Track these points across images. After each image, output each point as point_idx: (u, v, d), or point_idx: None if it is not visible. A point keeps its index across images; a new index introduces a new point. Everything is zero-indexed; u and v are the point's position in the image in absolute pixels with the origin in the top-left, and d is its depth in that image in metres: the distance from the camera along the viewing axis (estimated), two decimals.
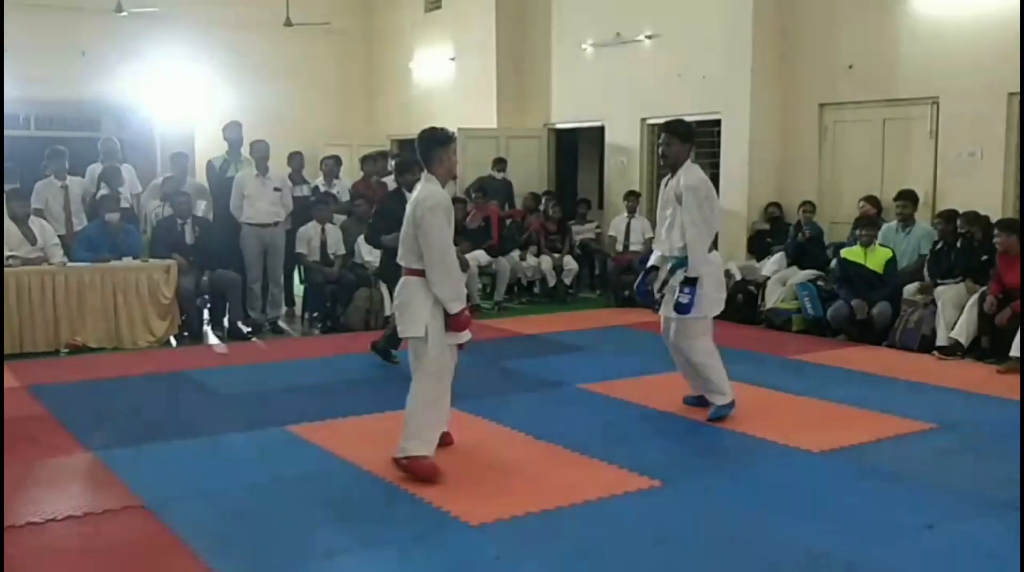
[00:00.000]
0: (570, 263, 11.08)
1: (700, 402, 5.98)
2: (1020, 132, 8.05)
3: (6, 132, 12.84)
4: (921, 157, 9.08)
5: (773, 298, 9.19)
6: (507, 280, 10.62)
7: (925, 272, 8.26)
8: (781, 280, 9.23)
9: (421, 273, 4.70)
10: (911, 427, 5.61)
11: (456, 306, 4.66)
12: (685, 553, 3.86)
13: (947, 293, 7.82)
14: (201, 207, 9.63)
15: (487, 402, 6.12)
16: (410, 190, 6.94)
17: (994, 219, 7.93)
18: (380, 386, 6.88)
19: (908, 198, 8.61)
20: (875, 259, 8.23)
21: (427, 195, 4.73)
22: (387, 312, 8.03)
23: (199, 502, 4.41)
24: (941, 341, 7.73)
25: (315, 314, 9.50)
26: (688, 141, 5.80)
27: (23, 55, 12.51)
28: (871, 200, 9.06)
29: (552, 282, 11.01)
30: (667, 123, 5.94)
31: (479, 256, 10.36)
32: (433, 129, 4.91)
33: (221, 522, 4.17)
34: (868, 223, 8.41)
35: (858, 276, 8.27)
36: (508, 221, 11.14)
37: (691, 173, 5.69)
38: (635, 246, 10.84)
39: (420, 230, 4.64)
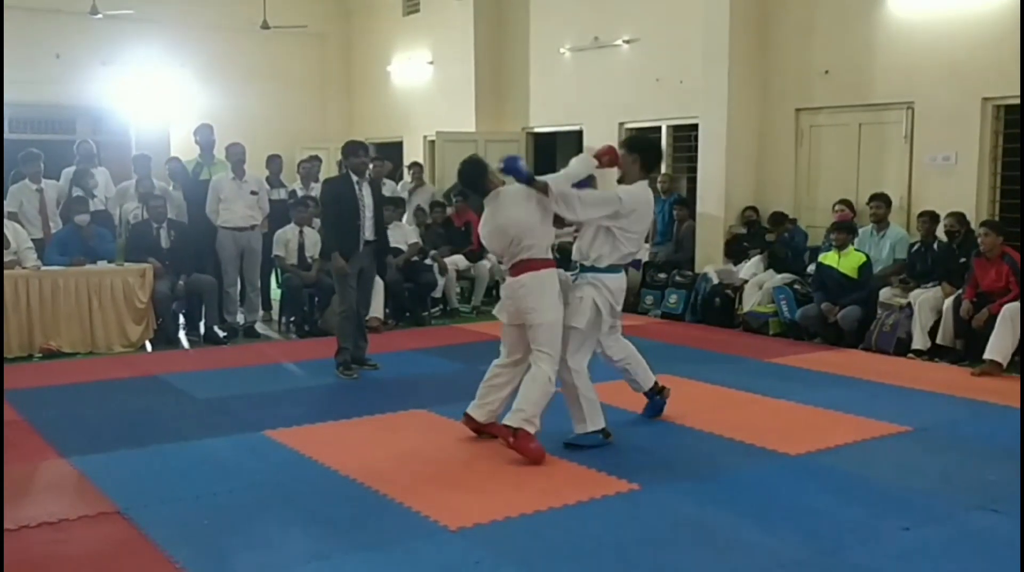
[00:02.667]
0: None
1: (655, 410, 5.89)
2: (1020, 139, 8.11)
3: None
4: (896, 161, 9.16)
5: (750, 302, 9.24)
6: (486, 284, 10.61)
7: (902, 275, 8.32)
8: (758, 284, 9.28)
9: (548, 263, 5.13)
10: (887, 430, 5.65)
11: None
12: (664, 556, 3.86)
13: (923, 296, 7.89)
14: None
15: (464, 405, 6.08)
16: (356, 173, 6.97)
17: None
18: (357, 390, 6.85)
19: (881, 200, 8.68)
20: (848, 263, 8.28)
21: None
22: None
23: (175, 508, 4.37)
24: (917, 344, 7.80)
25: (292, 318, 9.45)
26: (636, 152, 5.45)
27: None
28: (847, 204, 9.14)
29: None
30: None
31: (458, 260, 10.36)
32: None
33: (198, 528, 4.13)
34: (842, 227, 8.46)
35: (832, 280, 8.32)
36: None
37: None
38: None
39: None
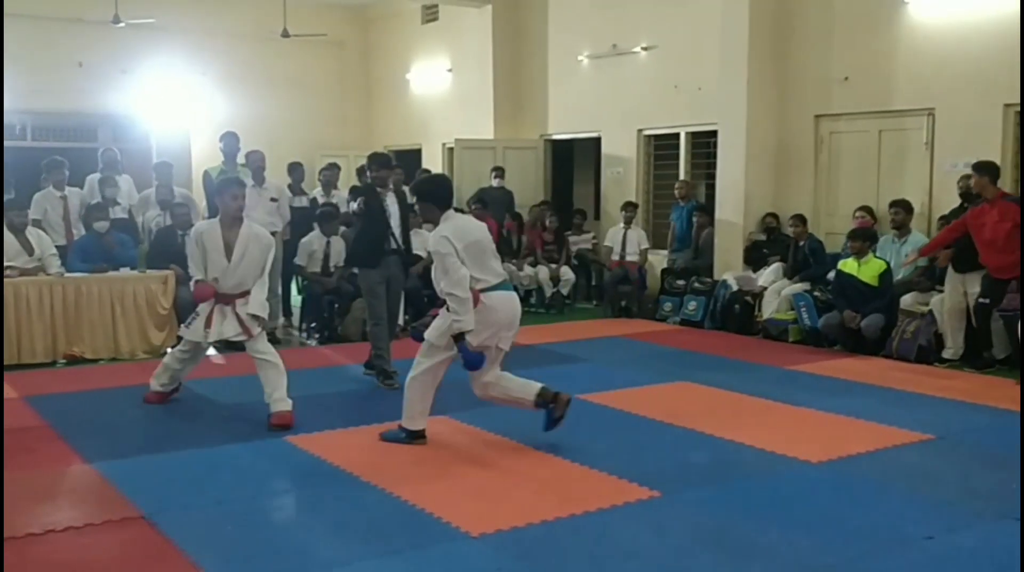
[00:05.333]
0: (567, 274, 11.10)
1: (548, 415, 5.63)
2: (1020, 142, 8.10)
3: (5, 143, 12.92)
4: (917, 168, 9.12)
5: (770, 309, 9.21)
6: None
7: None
8: (778, 290, 9.26)
9: None
10: (909, 438, 5.63)
11: None
12: (685, 563, 3.86)
13: (944, 303, 7.86)
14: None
15: (485, 412, 6.11)
16: (380, 186, 7.03)
17: None
18: (378, 396, 6.88)
19: (901, 206, 8.64)
20: (868, 271, 8.24)
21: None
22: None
23: (199, 513, 4.41)
24: (948, 353, 7.81)
25: (313, 324, 9.49)
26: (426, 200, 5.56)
27: (21, 66, 12.55)
28: (867, 210, 9.10)
29: (549, 292, 11.03)
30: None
31: None
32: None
33: (220, 533, 4.16)
34: (858, 235, 8.42)
35: (852, 288, 8.29)
36: (506, 232, 11.16)
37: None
38: (631, 257, 10.86)
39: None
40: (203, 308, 6.22)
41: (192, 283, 6.33)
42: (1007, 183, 8.43)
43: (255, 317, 6.15)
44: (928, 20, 8.88)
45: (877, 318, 8.10)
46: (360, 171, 10.57)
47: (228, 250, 6.09)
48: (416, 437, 5.51)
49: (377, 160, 7.26)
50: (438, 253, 5.27)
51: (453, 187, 5.84)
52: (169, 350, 6.66)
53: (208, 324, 6.16)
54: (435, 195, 5.55)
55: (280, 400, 6.02)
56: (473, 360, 5.26)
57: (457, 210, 5.71)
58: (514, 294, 5.60)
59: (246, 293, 6.16)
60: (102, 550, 3.98)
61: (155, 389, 6.55)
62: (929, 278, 8.30)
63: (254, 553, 3.95)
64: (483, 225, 5.65)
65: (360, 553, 3.95)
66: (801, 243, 9.39)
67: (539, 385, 5.53)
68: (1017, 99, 8.23)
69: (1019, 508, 4.35)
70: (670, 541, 4.08)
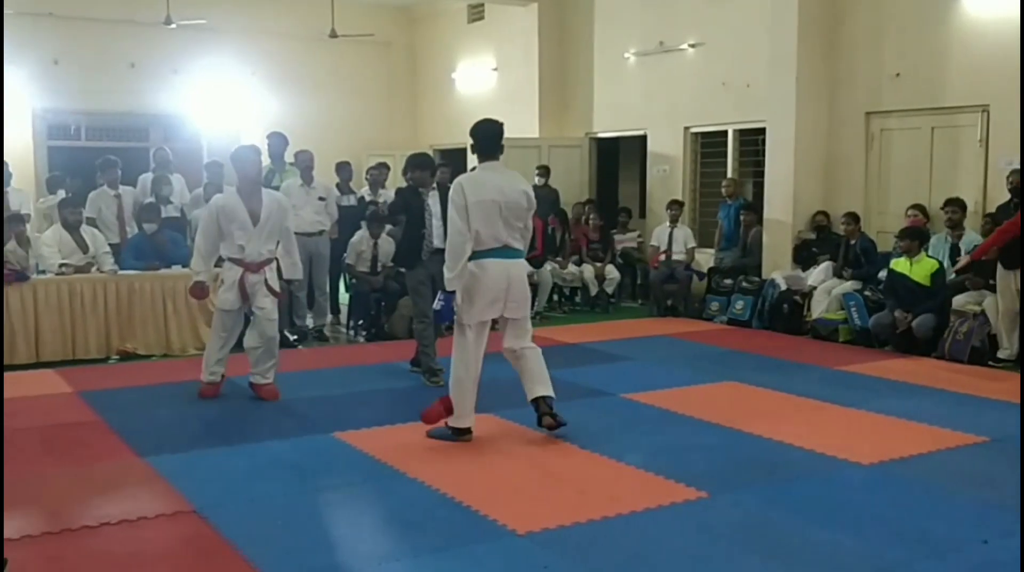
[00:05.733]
0: (612, 272, 11.06)
1: None
2: (1020, 140, 7.95)
3: (59, 143, 13.23)
4: (971, 165, 8.95)
5: (819, 308, 9.11)
6: (548, 290, 10.63)
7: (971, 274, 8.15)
8: (827, 290, 9.15)
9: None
10: (961, 440, 5.53)
11: None
12: (734, 565, 3.83)
13: (998, 303, 7.72)
14: None
15: (530, 411, 6.10)
16: (420, 186, 7.06)
17: None
18: (423, 394, 6.90)
19: (956, 205, 8.49)
20: (920, 270, 8.11)
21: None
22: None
23: (249, 508, 4.46)
24: (1002, 354, 7.66)
25: (360, 322, 9.57)
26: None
27: (75, 67, 12.81)
28: (920, 209, 8.95)
29: (594, 291, 11.00)
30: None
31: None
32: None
33: (271, 527, 4.21)
34: (909, 234, 8.28)
35: (904, 288, 8.16)
36: (551, 229, 11.15)
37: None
38: (677, 255, 10.79)
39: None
40: (229, 277, 6.41)
41: (192, 281, 6.58)
42: None
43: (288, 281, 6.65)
44: (982, 14, 8.71)
45: (929, 318, 7.97)
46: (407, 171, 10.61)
47: (253, 218, 6.32)
48: (462, 434, 5.53)
49: (413, 161, 7.25)
50: (450, 200, 5.38)
51: (497, 133, 5.62)
52: (214, 342, 6.76)
53: (244, 296, 6.41)
54: (475, 141, 5.65)
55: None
56: (443, 312, 5.45)
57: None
58: (510, 261, 5.42)
59: (269, 261, 6.50)
60: (155, 544, 4.05)
61: (207, 381, 6.67)
62: (981, 275, 8.13)
63: (304, 548, 3.99)
64: (517, 188, 5.45)
65: (408, 549, 3.98)
66: (852, 242, 9.27)
67: (543, 393, 5.51)
68: None
69: None
70: (717, 542, 4.05)
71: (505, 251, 5.43)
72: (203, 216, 6.52)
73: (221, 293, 6.50)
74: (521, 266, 5.57)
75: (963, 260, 8.08)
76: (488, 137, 5.57)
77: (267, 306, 6.52)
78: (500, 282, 5.40)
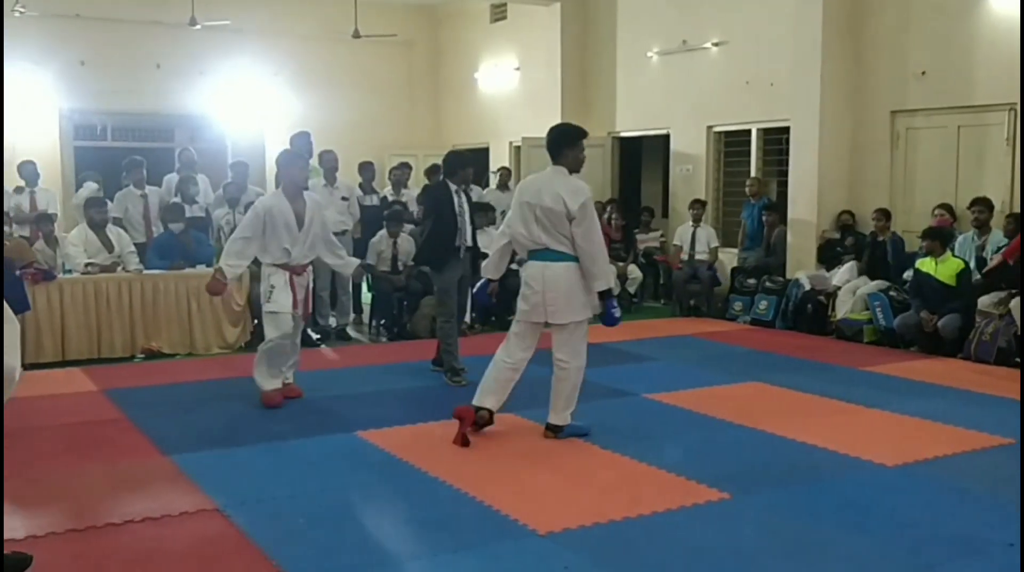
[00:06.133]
0: (634, 272, 11.04)
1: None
2: (1021, 140, 7.87)
3: (85, 143, 13.35)
4: (998, 164, 8.86)
5: (844, 308, 9.04)
6: None
7: (1003, 283, 8.05)
8: (852, 290, 9.08)
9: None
10: (988, 442, 5.48)
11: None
12: (756, 567, 3.81)
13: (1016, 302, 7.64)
14: None
15: None
16: (457, 184, 7.06)
17: None
18: (446, 393, 6.92)
19: (984, 204, 8.41)
20: (946, 270, 8.03)
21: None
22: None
23: (272, 506, 4.48)
24: None
25: (382, 321, 9.60)
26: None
27: (101, 68, 12.93)
28: (946, 208, 8.86)
29: (616, 291, 10.96)
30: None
31: None
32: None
33: (293, 526, 4.23)
34: (932, 234, 8.20)
35: (930, 288, 8.09)
36: None
37: None
38: (700, 255, 10.75)
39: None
40: (277, 279, 6.29)
41: (214, 276, 6.38)
42: None
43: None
44: (1009, 12, 8.60)
45: (955, 318, 7.90)
46: (430, 171, 10.64)
47: (299, 220, 6.29)
48: (478, 411, 5.60)
49: (455, 160, 7.28)
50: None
51: (556, 138, 5.57)
52: (262, 346, 6.48)
53: (295, 301, 6.32)
54: (547, 144, 5.58)
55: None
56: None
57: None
58: (547, 263, 5.38)
59: (310, 263, 6.50)
60: (178, 541, 4.07)
61: (268, 389, 6.43)
62: (1007, 279, 8.04)
63: (326, 546, 4.01)
64: (554, 193, 5.34)
65: (429, 548, 3.99)
66: (881, 238, 9.20)
67: (549, 419, 5.55)
68: None
69: None
70: (740, 544, 4.03)
71: (544, 254, 5.41)
72: (248, 216, 6.39)
73: (275, 296, 6.28)
74: (559, 269, 5.36)
75: (995, 259, 7.99)
76: (550, 141, 5.60)
77: (301, 309, 6.49)
78: (535, 284, 5.43)
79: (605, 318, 5.45)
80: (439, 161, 11.73)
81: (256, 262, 8.70)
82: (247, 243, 6.29)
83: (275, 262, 6.31)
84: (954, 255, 8.19)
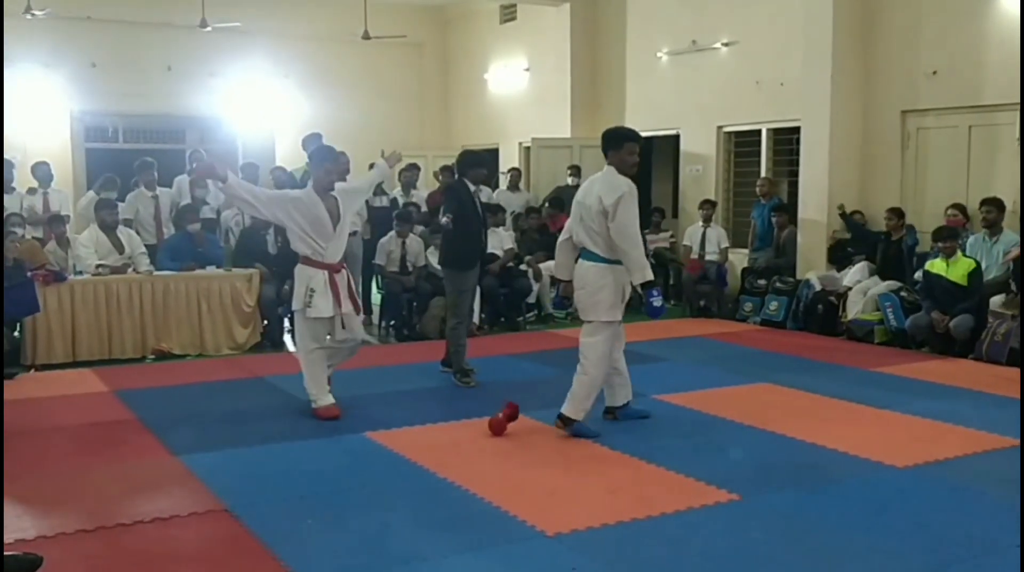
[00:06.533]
0: None
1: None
2: (1020, 140, 7.83)
3: (97, 145, 13.41)
4: (1009, 164, 8.80)
5: (855, 309, 9.00)
6: None
7: (1012, 283, 8.01)
8: (863, 290, 9.04)
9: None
10: (999, 443, 5.45)
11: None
12: (765, 570, 3.79)
13: None
14: None
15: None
16: (475, 183, 7.04)
17: None
18: (455, 394, 6.92)
19: (993, 204, 8.36)
20: (957, 271, 7.99)
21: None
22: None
23: (280, 507, 4.49)
24: None
25: (392, 322, 9.61)
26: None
27: (112, 70, 12.99)
28: (959, 208, 8.81)
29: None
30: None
31: (552, 266, 10.33)
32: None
33: (302, 527, 4.23)
34: (946, 234, 8.16)
35: (941, 288, 8.05)
36: None
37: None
38: (711, 256, 10.72)
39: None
40: (317, 281, 5.89)
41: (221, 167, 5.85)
42: None
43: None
44: (1019, 10, 8.56)
45: (967, 319, 7.86)
46: (443, 171, 10.65)
47: (332, 219, 5.95)
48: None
49: (471, 159, 7.24)
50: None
51: (608, 138, 5.70)
52: (304, 357, 6.12)
53: (338, 299, 5.94)
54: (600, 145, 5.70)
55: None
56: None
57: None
58: (582, 262, 5.61)
59: (344, 262, 6.18)
60: (187, 542, 4.08)
61: (322, 404, 6.09)
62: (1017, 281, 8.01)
63: (335, 547, 4.01)
64: (593, 192, 5.52)
65: (438, 549, 3.98)
66: (894, 237, 9.16)
67: (561, 408, 5.63)
68: None
69: None
70: (750, 545, 4.01)
71: (584, 253, 5.63)
72: (292, 199, 5.99)
73: (316, 301, 5.88)
74: (588, 268, 5.58)
75: (1014, 251, 7.95)
76: (602, 142, 5.76)
77: (351, 308, 6.09)
78: (576, 281, 5.68)
79: (647, 308, 5.56)
80: (448, 162, 11.83)
81: (268, 264, 8.78)
82: (255, 199, 5.91)
83: (309, 257, 5.93)
84: (965, 255, 8.15)
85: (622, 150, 5.59)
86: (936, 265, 8.15)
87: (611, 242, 5.45)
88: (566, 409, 5.61)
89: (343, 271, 6.10)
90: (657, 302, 5.53)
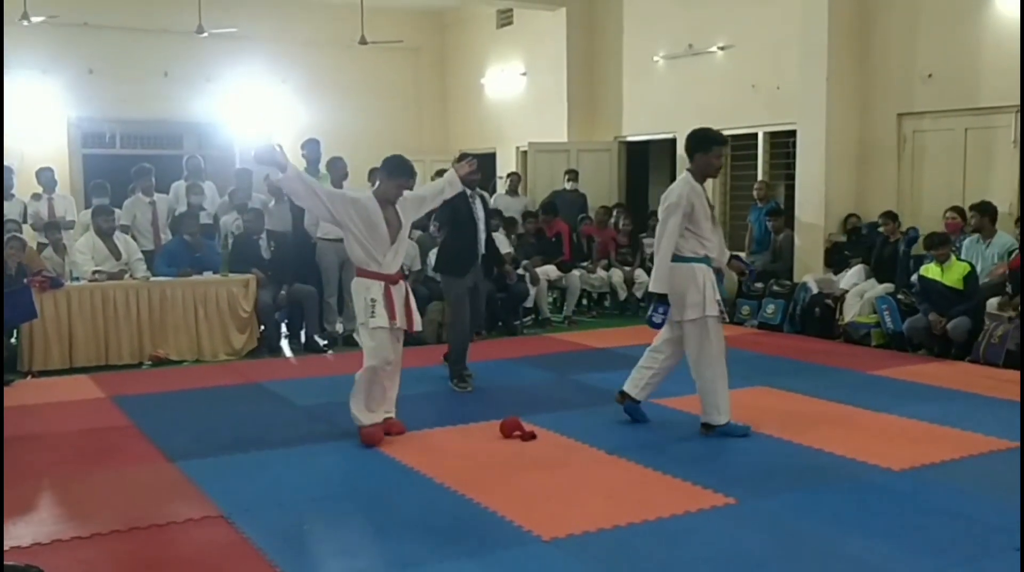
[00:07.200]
0: (641, 276, 11.00)
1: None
2: (1020, 141, 7.83)
3: (94, 151, 13.41)
4: (1005, 166, 8.83)
5: (851, 312, 9.01)
6: (577, 294, 10.62)
7: (1008, 286, 8.02)
8: (859, 293, 9.05)
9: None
10: (996, 445, 5.45)
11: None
12: None
13: None
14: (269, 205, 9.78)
15: (557, 416, 6.13)
16: (470, 187, 6.98)
17: None
18: (452, 399, 6.92)
19: (982, 210, 8.36)
20: (952, 275, 7.99)
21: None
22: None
23: (276, 513, 4.48)
24: None
25: None
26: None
27: (109, 76, 12.98)
28: (958, 211, 8.79)
29: (623, 296, 10.96)
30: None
31: (549, 270, 10.37)
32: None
33: (298, 533, 4.23)
34: (938, 242, 8.14)
35: (936, 293, 8.06)
36: (575, 236, 11.12)
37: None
38: None
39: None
40: (376, 291, 5.51)
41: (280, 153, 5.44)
42: None
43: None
44: (1015, 13, 8.57)
45: (964, 321, 7.87)
46: (438, 176, 10.64)
47: (391, 231, 5.58)
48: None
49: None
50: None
51: (692, 139, 5.87)
52: (366, 376, 5.64)
53: (393, 312, 5.53)
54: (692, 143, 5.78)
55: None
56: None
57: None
58: (671, 264, 5.64)
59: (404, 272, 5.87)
60: (184, 548, 4.08)
61: (367, 423, 5.65)
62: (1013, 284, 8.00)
63: (329, 552, 4.01)
64: (669, 190, 5.71)
65: (433, 555, 3.97)
66: (891, 240, 9.17)
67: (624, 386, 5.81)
68: None
69: None
70: (746, 549, 4.01)
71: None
72: (354, 203, 5.53)
73: (379, 310, 5.50)
74: (672, 270, 5.64)
75: (1000, 267, 7.95)
76: (685, 145, 5.87)
77: (419, 322, 5.75)
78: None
79: (648, 319, 5.74)
80: (446, 167, 11.83)
81: (264, 270, 8.77)
82: (317, 193, 5.51)
83: (366, 269, 5.56)
84: (959, 259, 8.15)
85: (710, 153, 5.68)
86: (931, 270, 8.15)
87: (687, 239, 5.57)
88: (703, 417, 5.73)
89: (401, 283, 5.68)
90: (657, 319, 5.65)
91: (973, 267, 8.07)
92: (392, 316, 5.51)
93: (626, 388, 5.98)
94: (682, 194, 5.60)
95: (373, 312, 5.47)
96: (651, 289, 5.59)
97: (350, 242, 5.57)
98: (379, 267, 5.55)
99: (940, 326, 7.97)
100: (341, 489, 4.88)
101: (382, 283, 5.53)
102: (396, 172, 5.64)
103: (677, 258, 5.60)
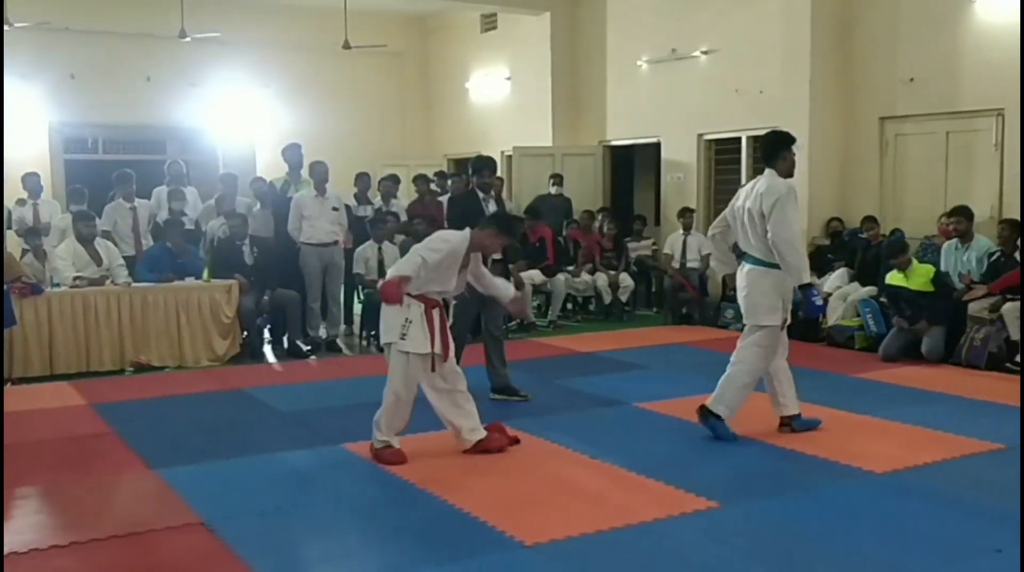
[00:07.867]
0: (626, 280, 11.03)
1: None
2: (1021, 141, 7.88)
3: (76, 156, 13.34)
4: (987, 170, 8.89)
5: (835, 315, 9.03)
6: (562, 298, 10.61)
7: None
8: (843, 296, 9.08)
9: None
10: (978, 447, 5.47)
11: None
12: None
13: (1016, 309, 7.62)
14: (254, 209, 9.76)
15: (542, 420, 6.11)
16: (483, 190, 6.93)
17: None
18: None
19: (961, 214, 8.39)
20: (916, 279, 8.01)
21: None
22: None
23: (258, 520, 4.45)
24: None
25: (373, 333, 9.55)
26: None
27: (91, 81, 12.92)
28: (963, 213, 8.78)
29: (608, 299, 10.97)
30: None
31: (533, 275, 10.35)
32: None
33: (279, 539, 4.20)
34: (896, 251, 8.15)
35: (904, 299, 8.09)
36: (561, 240, 11.12)
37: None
38: (691, 263, 10.74)
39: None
40: (414, 311, 5.18)
41: (392, 278, 5.22)
42: None
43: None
44: (996, 18, 8.65)
45: (938, 337, 7.90)
46: (416, 180, 10.68)
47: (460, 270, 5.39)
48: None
49: (480, 164, 7.04)
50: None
51: (766, 142, 5.85)
52: (391, 399, 5.31)
53: (432, 335, 5.20)
54: (761, 149, 5.83)
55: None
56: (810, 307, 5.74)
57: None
58: (744, 266, 5.69)
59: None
60: (163, 556, 4.04)
61: (385, 445, 5.32)
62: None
63: (310, 559, 3.99)
64: (754, 191, 5.58)
65: (415, 560, 3.96)
66: (874, 243, 9.20)
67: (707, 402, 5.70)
68: None
69: None
70: (729, 552, 4.00)
71: (746, 257, 5.71)
72: (446, 250, 5.28)
73: (413, 331, 5.17)
74: (745, 272, 5.67)
75: (977, 290, 7.96)
76: (764, 146, 5.85)
77: (441, 347, 5.30)
78: (738, 286, 5.77)
79: (807, 308, 5.68)
80: (429, 172, 11.84)
81: (246, 275, 8.73)
82: (429, 269, 5.22)
83: (426, 293, 5.25)
84: (921, 261, 8.18)
85: (790, 152, 5.71)
86: (894, 277, 8.16)
87: (768, 245, 5.48)
88: (709, 402, 5.68)
89: (439, 308, 5.32)
90: (818, 301, 5.69)
91: (938, 268, 8.10)
92: (432, 342, 5.19)
93: (782, 413, 5.83)
94: (791, 186, 5.58)
95: (406, 333, 5.18)
96: (804, 281, 5.48)
97: (418, 267, 5.21)
98: (443, 295, 5.35)
99: (921, 331, 8.00)
100: (322, 495, 4.85)
101: (422, 305, 5.21)
102: (507, 232, 5.60)
103: (760, 262, 5.57)
